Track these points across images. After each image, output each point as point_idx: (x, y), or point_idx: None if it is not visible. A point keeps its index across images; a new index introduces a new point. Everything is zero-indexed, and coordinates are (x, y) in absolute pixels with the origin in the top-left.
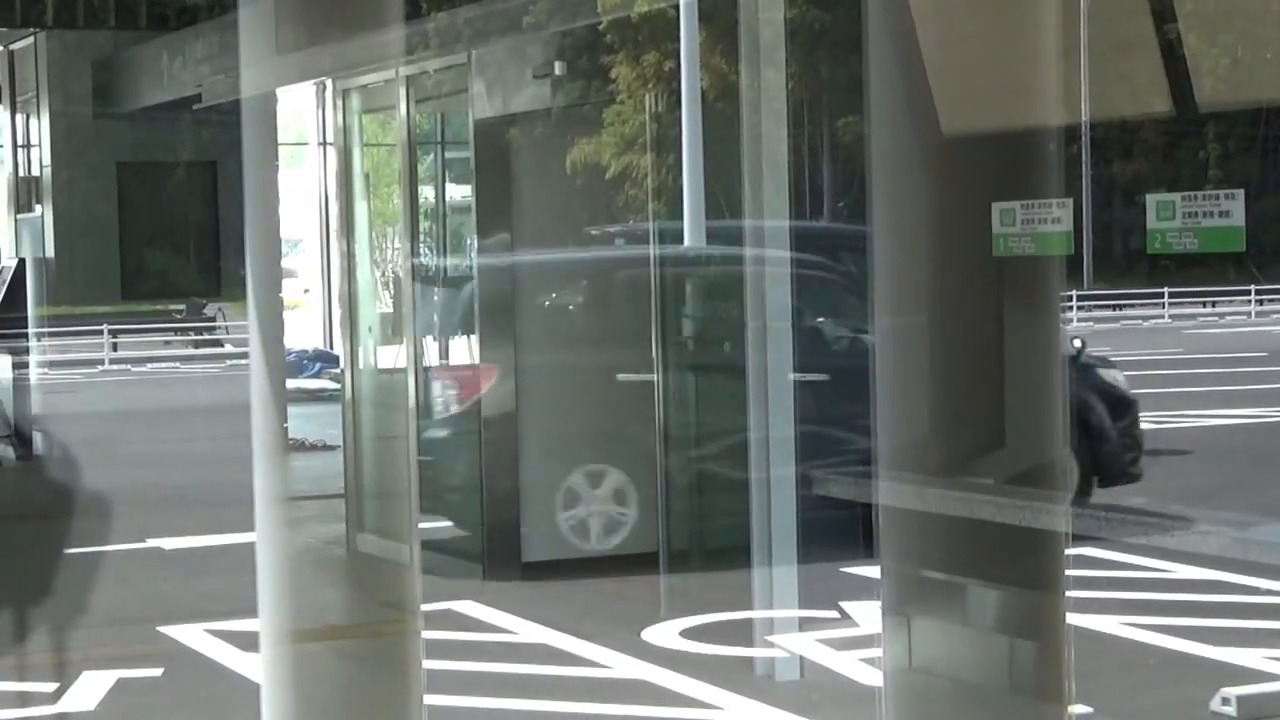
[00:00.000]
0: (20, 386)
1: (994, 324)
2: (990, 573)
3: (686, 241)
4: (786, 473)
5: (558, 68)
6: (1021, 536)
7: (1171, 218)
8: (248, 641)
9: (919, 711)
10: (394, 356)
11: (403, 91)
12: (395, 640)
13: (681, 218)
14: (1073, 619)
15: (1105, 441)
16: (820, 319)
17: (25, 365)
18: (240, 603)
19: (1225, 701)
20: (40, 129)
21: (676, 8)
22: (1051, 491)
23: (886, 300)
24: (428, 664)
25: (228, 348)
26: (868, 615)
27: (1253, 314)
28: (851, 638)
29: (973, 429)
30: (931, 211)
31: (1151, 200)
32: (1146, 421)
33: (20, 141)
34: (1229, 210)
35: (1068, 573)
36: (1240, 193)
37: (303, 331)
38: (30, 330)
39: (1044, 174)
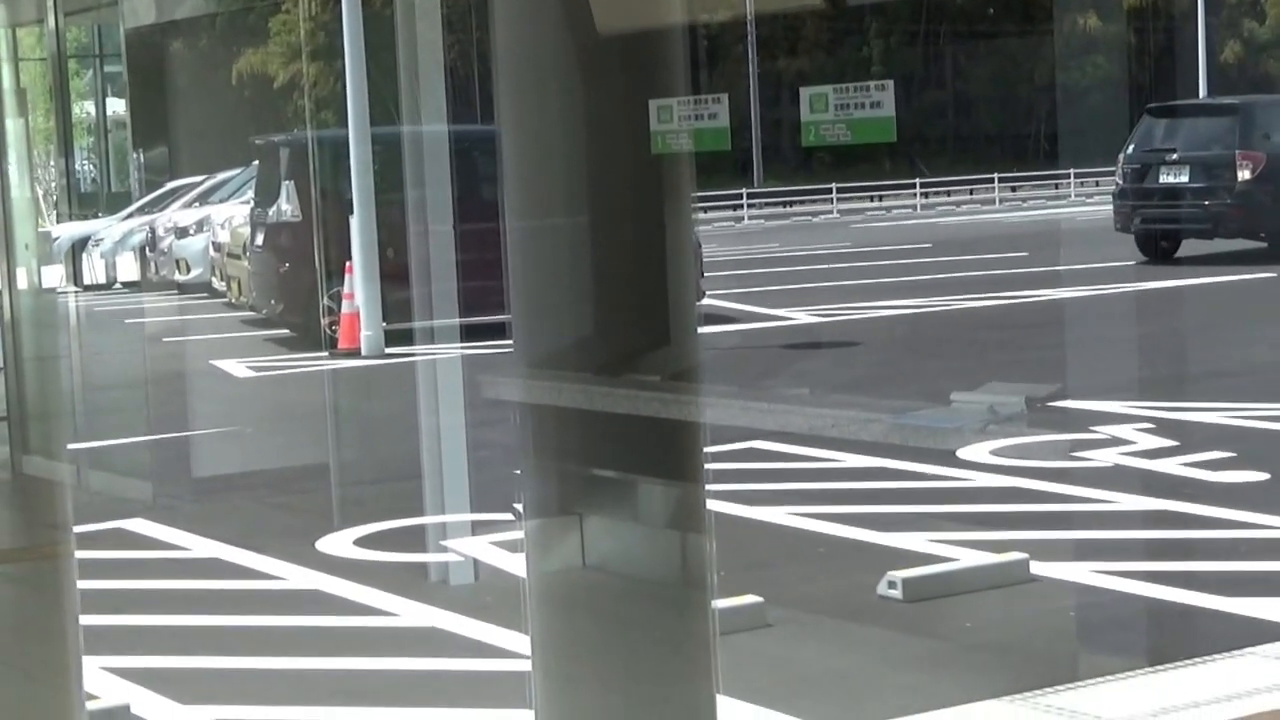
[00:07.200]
0: None
1: (655, 222)
2: (646, 468)
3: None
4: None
5: None
6: (671, 430)
7: (825, 110)
8: None
9: (579, 609)
10: (57, 276)
11: (49, 2)
12: (53, 562)
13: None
14: (742, 511)
15: None
16: None
17: None
18: None
19: (891, 585)
20: None
21: None
22: (696, 385)
23: (527, 202)
24: (94, 584)
25: None
26: None
27: (918, 207)
28: None
29: (639, 327)
30: (589, 111)
31: (805, 93)
32: (814, 316)
33: None
34: (880, 101)
35: (738, 466)
36: (890, 83)
37: None
38: None
39: (695, 70)
